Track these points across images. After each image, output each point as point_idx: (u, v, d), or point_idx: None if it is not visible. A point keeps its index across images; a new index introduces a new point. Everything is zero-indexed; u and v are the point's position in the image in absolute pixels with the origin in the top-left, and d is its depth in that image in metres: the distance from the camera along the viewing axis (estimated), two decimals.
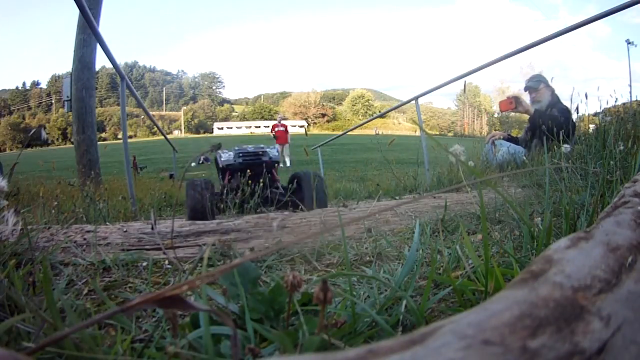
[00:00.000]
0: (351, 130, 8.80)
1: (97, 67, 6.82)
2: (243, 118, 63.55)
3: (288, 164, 11.13)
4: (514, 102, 3.09)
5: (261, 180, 2.24)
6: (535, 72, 3.56)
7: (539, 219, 0.83)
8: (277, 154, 3.16)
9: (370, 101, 63.58)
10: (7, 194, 0.94)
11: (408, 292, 0.56)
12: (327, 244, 0.98)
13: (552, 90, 3.18)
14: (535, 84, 3.18)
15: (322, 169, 7.63)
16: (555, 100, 3.09)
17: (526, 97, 3.30)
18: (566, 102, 2.98)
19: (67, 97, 6.13)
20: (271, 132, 12.48)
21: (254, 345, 0.44)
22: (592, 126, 2.66)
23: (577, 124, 2.86)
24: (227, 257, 0.98)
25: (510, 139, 3.39)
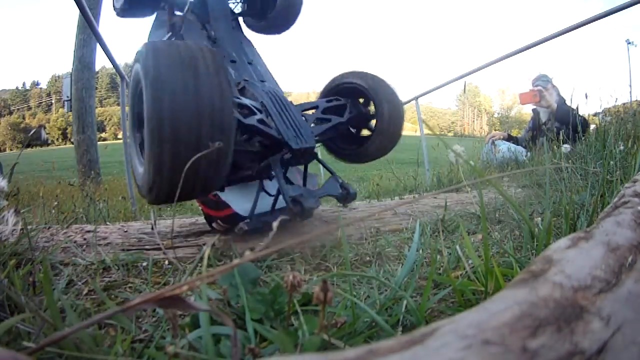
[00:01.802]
0: None
1: (97, 67, 6.83)
2: None
3: None
4: (538, 96, 3.05)
5: None
6: (535, 72, 3.55)
7: (539, 219, 0.83)
8: None
9: None
10: (7, 194, 0.94)
11: (408, 292, 0.56)
12: (327, 244, 0.98)
13: (558, 91, 3.18)
14: (544, 83, 3.18)
15: (322, 168, 7.60)
16: (562, 101, 3.09)
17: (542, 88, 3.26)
18: (567, 102, 2.99)
19: (67, 97, 6.15)
20: None
21: (254, 345, 0.44)
22: (592, 126, 2.66)
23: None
24: (227, 257, 0.98)
25: (510, 139, 3.39)
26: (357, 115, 1.28)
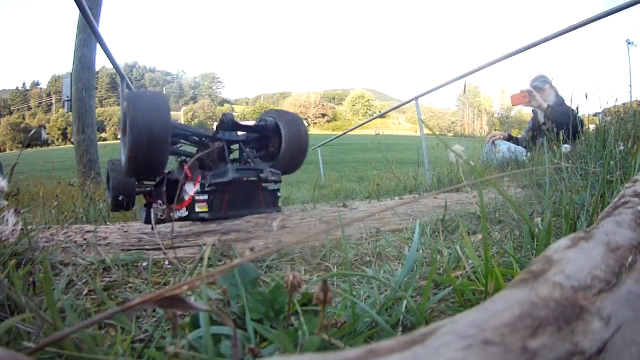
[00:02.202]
0: (351, 130, 8.80)
1: (97, 67, 6.83)
2: (243, 118, 63.63)
3: None
4: (527, 96, 3.04)
5: None
6: (535, 71, 3.54)
7: (539, 219, 0.83)
8: None
9: (370, 101, 63.64)
10: (7, 194, 0.94)
11: (408, 292, 0.56)
12: (327, 244, 0.98)
13: (556, 91, 3.17)
14: (541, 84, 3.16)
15: (322, 169, 7.63)
16: (560, 101, 3.08)
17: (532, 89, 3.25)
18: (566, 102, 2.98)
19: (67, 97, 6.14)
20: None
21: (254, 345, 0.44)
22: (592, 126, 2.65)
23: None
24: (227, 257, 0.98)
25: (511, 139, 3.38)
26: (272, 135, 1.80)
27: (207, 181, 1.45)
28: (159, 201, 1.86)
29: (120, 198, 2.08)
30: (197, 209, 1.48)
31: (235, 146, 1.69)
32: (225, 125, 1.66)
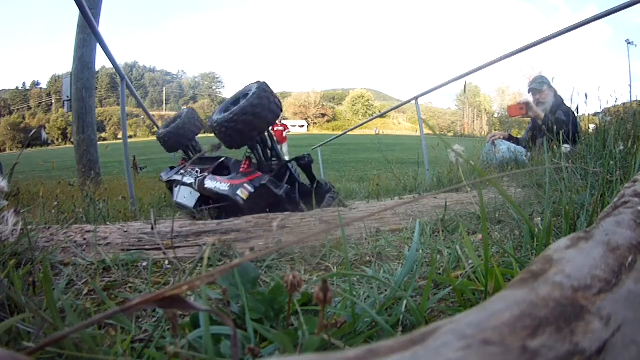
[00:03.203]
0: (351, 130, 8.80)
1: (97, 67, 6.83)
2: None
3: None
4: (525, 108, 3.05)
5: None
6: (535, 72, 3.54)
7: (539, 219, 0.83)
8: None
9: (370, 101, 63.68)
10: (7, 194, 0.93)
11: (408, 292, 0.56)
12: (327, 244, 0.98)
13: (555, 92, 3.16)
14: (539, 85, 3.16)
15: (322, 169, 7.64)
16: (559, 102, 3.08)
17: (529, 99, 3.27)
18: (566, 102, 2.98)
19: (67, 97, 6.14)
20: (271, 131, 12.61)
21: (254, 345, 0.44)
22: (592, 126, 2.65)
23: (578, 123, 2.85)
24: (227, 257, 0.98)
25: (511, 139, 3.38)
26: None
27: (264, 180, 1.76)
28: (197, 169, 2.15)
29: (174, 138, 2.63)
30: (238, 192, 1.76)
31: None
32: (297, 160, 2.15)
